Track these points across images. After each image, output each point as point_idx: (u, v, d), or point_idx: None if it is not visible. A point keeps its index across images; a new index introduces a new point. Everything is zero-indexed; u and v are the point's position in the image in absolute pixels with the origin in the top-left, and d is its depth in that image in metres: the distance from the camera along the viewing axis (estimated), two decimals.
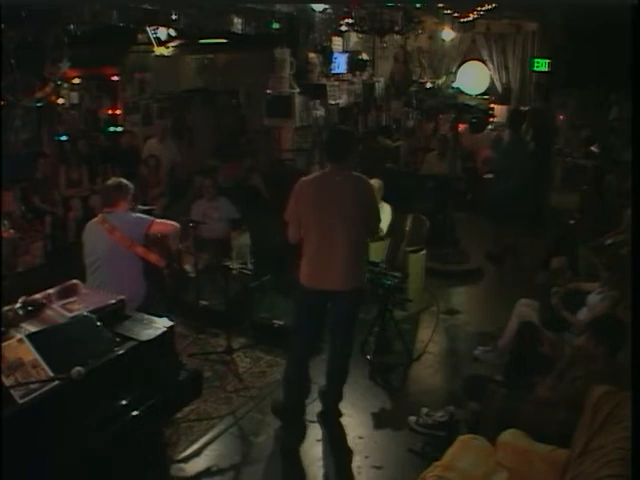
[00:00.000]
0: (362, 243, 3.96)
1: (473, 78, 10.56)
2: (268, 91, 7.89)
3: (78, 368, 2.44)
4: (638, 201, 2.94)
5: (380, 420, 4.17)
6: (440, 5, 7.70)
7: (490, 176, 9.40)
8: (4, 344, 2.56)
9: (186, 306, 5.45)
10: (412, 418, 3.97)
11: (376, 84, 9.81)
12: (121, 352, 2.84)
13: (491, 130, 9.01)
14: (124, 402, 2.78)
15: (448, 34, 9.85)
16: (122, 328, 3.05)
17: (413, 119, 10.77)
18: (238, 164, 8.05)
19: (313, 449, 3.85)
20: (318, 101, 8.30)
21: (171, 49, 8.85)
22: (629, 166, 3.76)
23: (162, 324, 3.15)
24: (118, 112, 9.53)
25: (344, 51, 8.86)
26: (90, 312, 2.97)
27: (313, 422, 4.08)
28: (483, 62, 10.43)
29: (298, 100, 7.90)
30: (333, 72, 8.60)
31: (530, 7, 8.16)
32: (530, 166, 7.13)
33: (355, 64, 9.03)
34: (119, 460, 2.75)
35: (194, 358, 4.77)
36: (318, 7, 7.32)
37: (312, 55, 8.18)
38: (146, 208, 4.55)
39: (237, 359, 4.87)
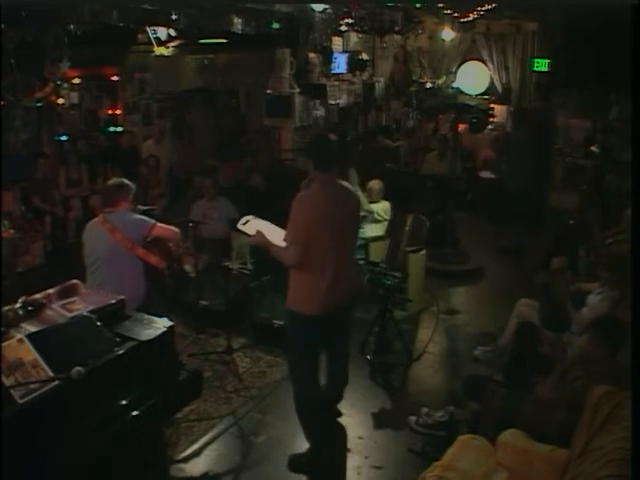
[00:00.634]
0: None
1: (473, 78, 10.55)
2: (268, 91, 7.89)
3: (78, 368, 2.44)
4: (638, 201, 2.94)
5: (380, 420, 4.17)
6: (440, 5, 7.69)
7: (488, 175, 9.45)
8: (4, 344, 2.56)
9: (186, 306, 5.45)
10: (412, 418, 3.97)
11: (376, 84, 9.81)
12: (121, 352, 2.84)
13: (491, 130, 9.01)
14: (124, 402, 2.78)
15: (448, 34, 9.84)
16: (122, 328, 3.05)
17: (413, 119, 10.76)
18: (238, 164, 8.06)
19: None
20: (318, 101, 8.30)
21: (171, 49, 8.85)
22: (629, 166, 3.77)
23: (162, 324, 3.15)
24: (118, 112, 9.53)
25: (344, 51, 8.86)
26: (90, 312, 2.98)
27: None
28: (483, 62, 10.41)
29: (298, 100, 7.90)
30: (333, 72, 8.60)
31: (530, 7, 8.14)
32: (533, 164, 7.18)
33: (355, 64, 9.03)
34: (119, 460, 2.75)
35: (194, 358, 4.78)
36: (318, 7, 7.31)
37: (312, 55, 8.18)
38: (146, 208, 4.55)
39: (237, 359, 4.87)
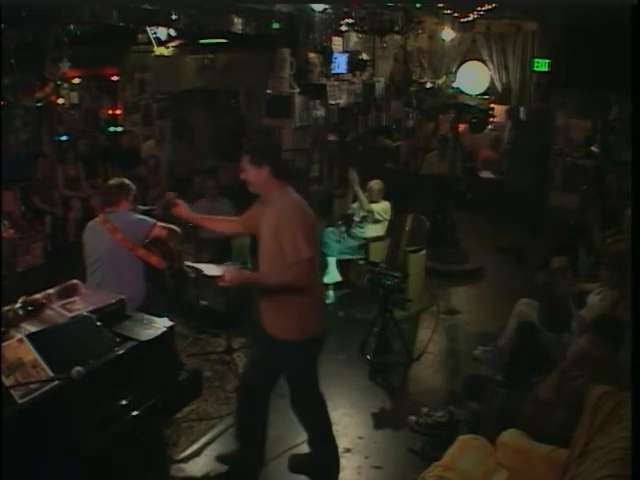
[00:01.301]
0: None
1: (473, 78, 10.56)
2: (268, 91, 7.88)
3: (78, 368, 2.44)
4: (638, 201, 2.93)
5: (380, 420, 4.17)
6: (440, 5, 7.69)
7: (488, 175, 9.46)
8: (4, 344, 2.56)
9: (186, 306, 5.45)
10: (412, 418, 3.98)
11: (376, 84, 9.79)
12: (121, 352, 2.84)
13: (491, 130, 9.01)
14: (124, 402, 2.78)
15: (448, 34, 9.84)
16: (122, 328, 3.05)
17: (413, 119, 10.76)
18: (238, 164, 8.04)
19: None
20: (318, 101, 8.29)
21: (171, 49, 8.86)
22: (629, 166, 3.76)
23: (162, 324, 3.15)
24: (118, 112, 9.54)
25: (344, 51, 8.85)
26: (90, 312, 2.97)
27: None
28: (483, 62, 10.42)
29: (298, 100, 7.89)
30: (333, 72, 8.59)
31: (530, 7, 8.15)
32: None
33: (355, 64, 9.02)
34: (119, 460, 2.75)
35: (194, 358, 4.77)
36: (318, 7, 7.31)
37: (312, 55, 8.17)
38: (146, 208, 4.55)
39: (237, 359, 4.87)
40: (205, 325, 5.34)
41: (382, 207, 6.57)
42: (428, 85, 10.50)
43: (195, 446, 3.86)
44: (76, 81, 8.88)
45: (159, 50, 8.70)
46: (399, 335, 5.02)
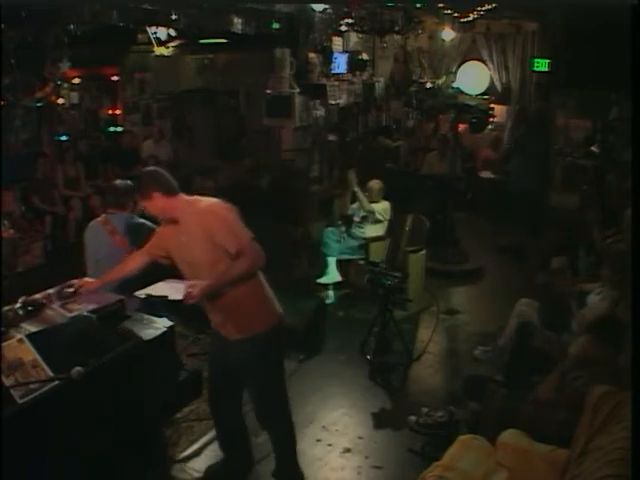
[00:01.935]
0: None
1: (473, 78, 10.56)
2: (268, 91, 7.89)
3: (78, 368, 2.44)
4: (638, 201, 2.93)
5: (380, 420, 4.17)
6: (440, 5, 7.69)
7: (488, 175, 9.45)
8: (4, 344, 2.56)
9: (186, 306, 5.44)
10: (412, 418, 3.97)
11: (376, 84, 9.79)
12: (121, 352, 2.84)
13: (491, 130, 9.01)
14: (124, 402, 2.78)
15: (448, 34, 9.84)
16: (122, 328, 3.05)
17: (413, 119, 10.76)
18: (238, 164, 8.06)
19: (313, 449, 3.85)
20: (318, 101, 8.29)
21: (171, 49, 8.86)
22: (629, 166, 3.75)
23: (162, 324, 3.15)
24: (118, 112, 9.54)
25: (344, 51, 8.86)
26: (90, 312, 2.97)
27: (312, 422, 4.09)
28: (483, 62, 10.42)
29: (298, 100, 7.89)
30: (333, 72, 8.59)
31: (530, 7, 8.15)
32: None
33: (355, 64, 9.02)
34: (119, 460, 2.75)
35: (194, 358, 4.77)
36: (318, 7, 7.31)
37: (312, 55, 8.17)
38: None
39: None
40: (205, 325, 5.32)
41: (382, 207, 6.57)
42: (428, 85, 10.49)
43: (195, 446, 3.86)
44: (76, 81, 8.88)
45: (159, 50, 8.70)
46: (399, 335, 5.02)
